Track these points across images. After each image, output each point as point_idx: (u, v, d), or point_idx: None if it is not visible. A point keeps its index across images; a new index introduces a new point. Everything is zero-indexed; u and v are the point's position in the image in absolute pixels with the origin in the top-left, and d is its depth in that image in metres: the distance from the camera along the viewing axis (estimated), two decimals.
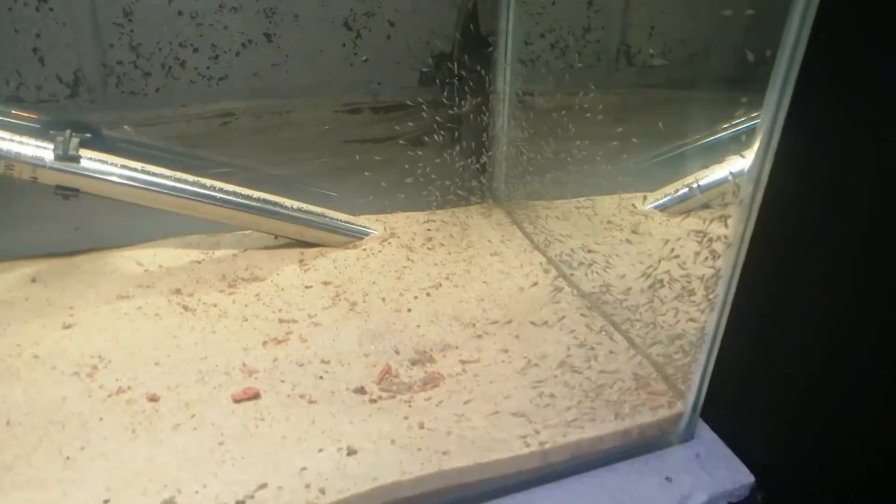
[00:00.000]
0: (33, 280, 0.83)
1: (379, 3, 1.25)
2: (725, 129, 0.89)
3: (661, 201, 1.01)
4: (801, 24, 0.54)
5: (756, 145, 0.59)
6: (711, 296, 0.66)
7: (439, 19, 1.30)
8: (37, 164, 0.78)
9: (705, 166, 0.97)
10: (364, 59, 1.29)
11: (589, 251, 0.90)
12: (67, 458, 0.59)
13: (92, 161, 0.80)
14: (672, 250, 0.73)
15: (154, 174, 0.84)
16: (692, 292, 0.71)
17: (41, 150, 0.79)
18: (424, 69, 1.32)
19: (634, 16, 1.38)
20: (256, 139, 1.28)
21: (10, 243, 0.92)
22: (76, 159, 0.79)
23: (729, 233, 0.63)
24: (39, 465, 0.58)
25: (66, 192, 0.80)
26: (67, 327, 0.75)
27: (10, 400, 0.64)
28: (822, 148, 0.58)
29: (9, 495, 0.55)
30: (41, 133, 0.82)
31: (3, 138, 0.77)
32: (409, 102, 1.27)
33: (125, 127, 1.02)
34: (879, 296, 0.55)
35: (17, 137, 0.78)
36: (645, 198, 1.01)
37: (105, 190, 0.81)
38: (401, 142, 1.18)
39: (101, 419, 0.63)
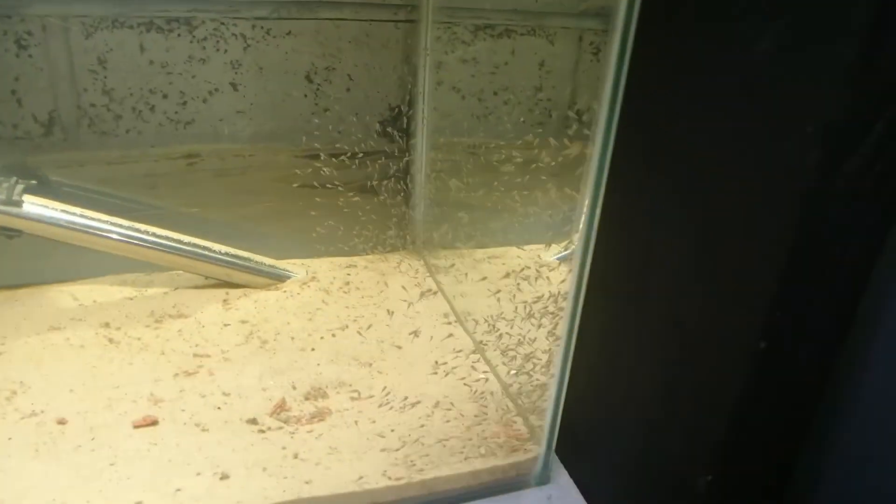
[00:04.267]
0: None
1: (340, 58, 1.36)
2: None
3: (563, 253, 1.09)
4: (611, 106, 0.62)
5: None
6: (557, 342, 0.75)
7: (396, 75, 1.41)
8: None
9: None
10: (325, 109, 1.39)
11: (483, 299, 0.98)
12: None
13: (34, 206, 0.90)
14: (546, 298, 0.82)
15: (91, 218, 0.94)
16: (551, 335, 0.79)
17: None
18: (379, 120, 1.42)
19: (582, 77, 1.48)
20: (215, 181, 1.38)
21: None
22: (19, 204, 0.89)
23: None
24: None
25: (10, 233, 0.90)
26: None
27: None
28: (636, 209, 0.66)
29: None
30: None
31: None
32: (363, 152, 1.37)
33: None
34: (703, 336, 0.62)
35: None
36: (548, 247, 1.09)
37: (46, 232, 0.91)
38: (345, 190, 1.27)
39: (9, 438, 0.72)
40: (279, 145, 1.37)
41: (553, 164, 1.14)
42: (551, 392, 0.75)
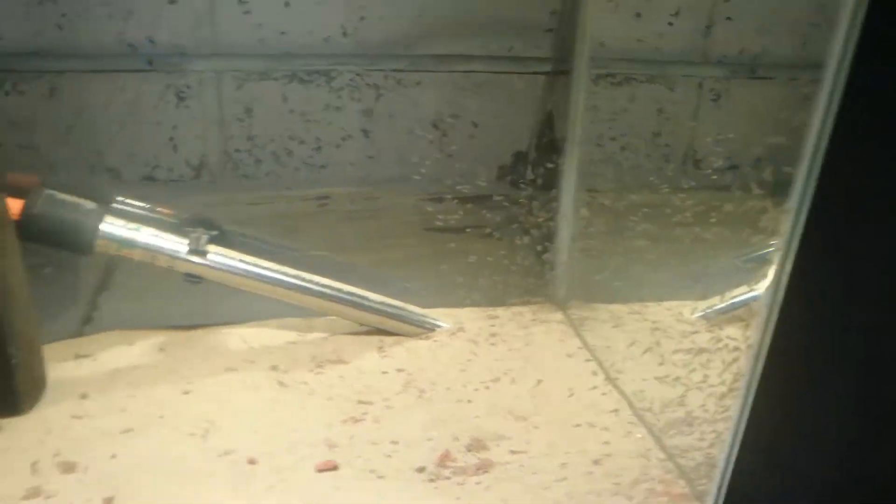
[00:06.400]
0: (160, 349, 1.01)
1: (466, 107, 1.42)
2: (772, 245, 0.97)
3: (705, 311, 1.11)
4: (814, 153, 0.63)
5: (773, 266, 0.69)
6: (728, 411, 0.76)
7: (519, 124, 1.46)
8: (174, 257, 0.95)
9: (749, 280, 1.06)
10: (449, 155, 1.45)
11: (633, 356, 1.00)
12: None
13: (217, 256, 0.98)
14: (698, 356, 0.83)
15: (264, 268, 1.00)
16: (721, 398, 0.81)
17: (177, 245, 0.96)
18: (501, 166, 1.47)
19: (701, 124, 1.51)
20: (348, 223, 1.45)
21: (149, 313, 1.09)
22: (204, 254, 0.96)
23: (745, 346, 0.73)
24: None
25: (193, 279, 0.97)
26: (186, 393, 0.91)
27: (141, 453, 0.80)
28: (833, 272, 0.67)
29: None
30: (177, 228, 1.00)
31: (152, 234, 0.95)
32: (488, 197, 1.42)
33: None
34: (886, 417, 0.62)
35: (161, 234, 0.96)
36: (707, 306, 1.11)
37: (225, 279, 0.98)
38: (474, 234, 1.32)
39: (210, 475, 0.78)
40: (406, 188, 1.43)
41: (690, 215, 1.15)
42: (721, 454, 0.76)
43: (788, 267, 0.67)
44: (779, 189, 0.87)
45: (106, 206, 0.96)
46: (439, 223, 1.37)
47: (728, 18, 1.46)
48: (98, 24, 1.27)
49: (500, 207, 1.39)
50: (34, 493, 0.74)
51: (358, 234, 1.41)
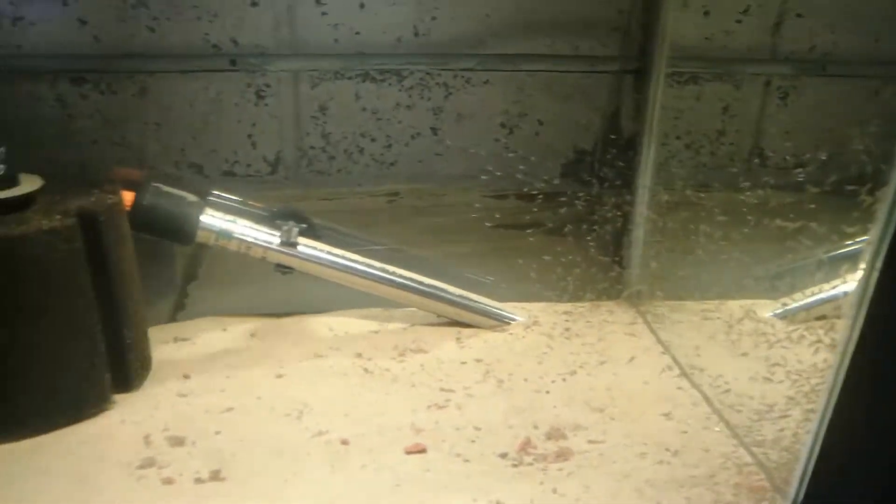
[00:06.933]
0: (252, 335, 1.06)
1: (532, 106, 1.44)
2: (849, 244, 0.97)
3: (780, 310, 1.11)
4: None
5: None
6: (813, 404, 0.77)
7: (585, 122, 1.47)
8: (267, 248, 1.01)
9: (828, 279, 1.06)
10: (515, 152, 1.47)
11: (708, 352, 1.02)
12: (285, 480, 0.78)
13: (306, 248, 1.03)
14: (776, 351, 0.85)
15: (350, 259, 1.05)
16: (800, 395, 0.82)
17: (270, 237, 1.02)
18: (567, 164, 1.48)
19: (769, 122, 1.50)
20: (416, 219, 1.48)
21: (237, 301, 1.15)
22: (295, 245, 1.01)
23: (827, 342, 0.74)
24: (265, 484, 0.78)
25: (284, 270, 1.03)
26: (279, 377, 0.96)
27: (242, 430, 0.85)
28: None
29: None
30: (268, 221, 1.05)
31: (247, 226, 1.00)
32: (555, 194, 1.44)
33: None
34: None
35: (255, 226, 1.01)
36: (782, 304, 1.11)
37: (314, 270, 1.03)
38: (540, 231, 1.34)
39: (307, 454, 0.82)
40: (473, 185, 1.46)
41: (761, 212, 1.15)
42: (804, 448, 0.78)
43: (879, 263, 0.68)
44: (856, 187, 0.88)
45: (205, 199, 1.02)
46: (505, 220, 1.39)
47: (798, 15, 1.44)
48: (186, 26, 1.31)
49: (567, 205, 1.40)
50: (149, 462, 0.80)
51: (426, 230, 1.44)
